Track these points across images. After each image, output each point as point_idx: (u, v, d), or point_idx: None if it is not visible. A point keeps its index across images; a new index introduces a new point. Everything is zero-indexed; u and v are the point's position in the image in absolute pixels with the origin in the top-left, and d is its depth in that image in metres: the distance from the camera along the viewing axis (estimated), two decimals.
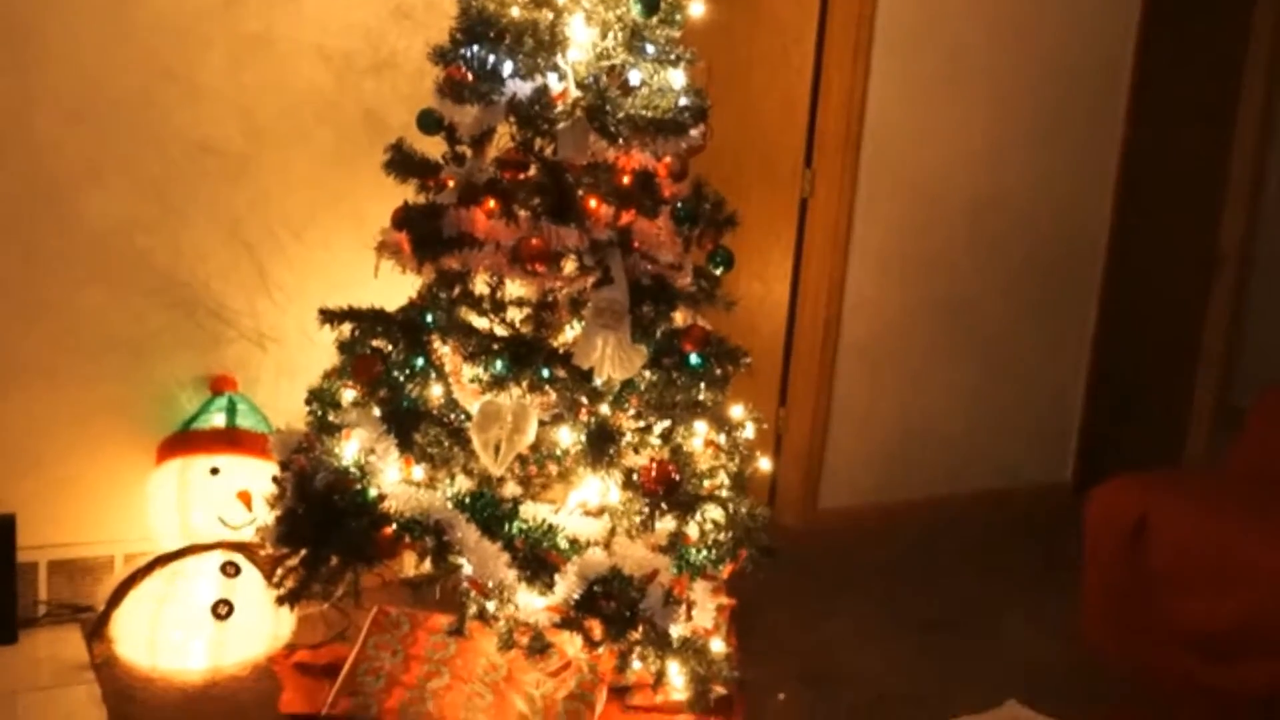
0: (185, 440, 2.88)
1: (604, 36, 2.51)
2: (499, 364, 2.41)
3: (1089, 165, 4.55)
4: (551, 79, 2.48)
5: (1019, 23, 4.25)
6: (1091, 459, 4.78)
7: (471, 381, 2.58)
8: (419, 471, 2.49)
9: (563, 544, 2.42)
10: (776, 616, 3.32)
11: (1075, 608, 3.16)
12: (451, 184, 2.54)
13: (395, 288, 2.67)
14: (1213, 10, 4.63)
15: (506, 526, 2.41)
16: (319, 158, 3.11)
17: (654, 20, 2.52)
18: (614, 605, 2.37)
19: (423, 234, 2.46)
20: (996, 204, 4.33)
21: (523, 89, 2.46)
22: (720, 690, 2.68)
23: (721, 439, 2.70)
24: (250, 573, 2.81)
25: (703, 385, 2.60)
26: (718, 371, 2.59)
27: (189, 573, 2.78)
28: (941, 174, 4.19)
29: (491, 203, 2.47)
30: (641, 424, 2.59)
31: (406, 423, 2.49)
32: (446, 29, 2.60)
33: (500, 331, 2.60)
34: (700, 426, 2.64)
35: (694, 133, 2.59)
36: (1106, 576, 3.16)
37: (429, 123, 2.60)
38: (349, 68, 3.09)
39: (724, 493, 2.65)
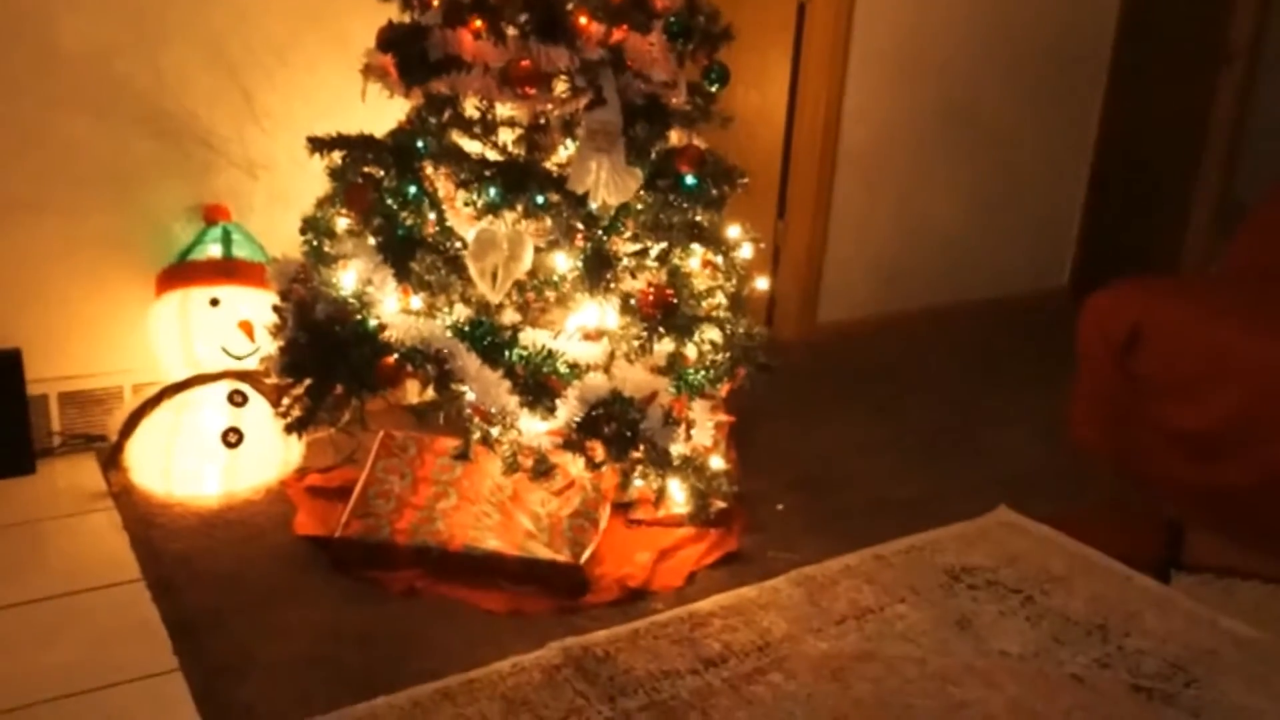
0: (183, 272, 2.88)
1: None
2: (492, 191, 2.39)
3: None
4: None
5: None
6: (1090, 262, 4.78)
7: (465, 206, 2.56)
8: (417, 301, 2.50)
9: (562, 369, 2.45)
10: (775, 428, 3.39)
11: (1068, 411, 3.23)
12: (436, 2, 2.45)
13: (385, 110, 2.62)
14: None
15: (506, 354, 2.43)
16: None
17: None
18: (614, 427, 2.42)
19: (408, 57, 2.39)
20: (998, 4, 4.19)
21: None
22: (720, 504, 2.77)
23: (719, 259, 2.70)
24: (257, 401, 2.86)
25: (699, 206, 2.58)
26: (714, 192, 2.57)
27: (197, 403, 2.83)
28: None
29: (478, 22, 2.39)
30: (638, 247, 2.59)
31: (403, 252, 2.48)
32: None
33: (492, 156, 2.56)
34: (697, 248, 2.64)
35: None
36: (1098, 382, 3.20)
37: None
38: None
39: (721, 313, 2.67)
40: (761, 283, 2.84)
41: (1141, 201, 4.84)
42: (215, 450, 2.81)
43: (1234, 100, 4.60)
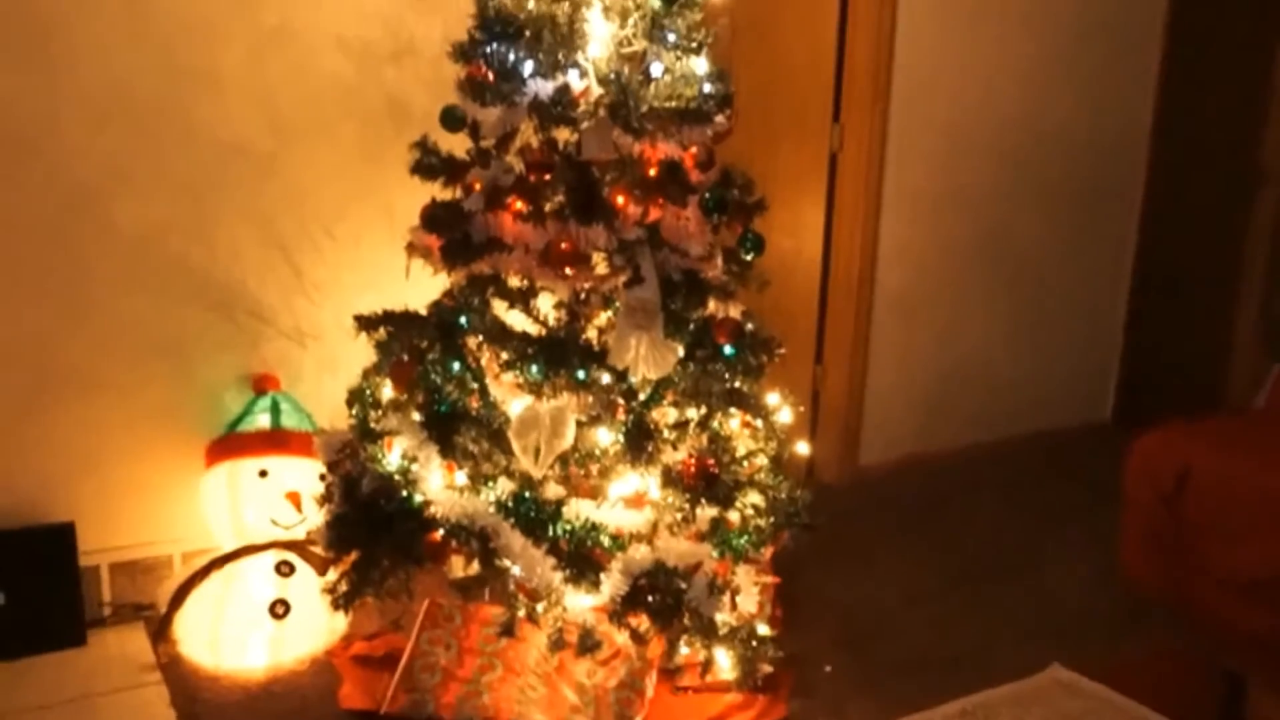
0: (232, 443, 2.93)
1: (623, 27, 2.48)
2: (534, 369, 2.43)
3: (1125, 85, 4.46)
4: (572, 76, 2.45)
5: None
6: (1134, 391, 4.75)
7: (507, 377, 2.61)
8: (461, 476, 2.53)
9: (606, 541, 2.46)
10: (819, 579, 3.36)
11: (1117, 549, 3.17)
12: (478, 186, 2.54)
13: (428, 280, 2.69)
14: None
15: (550, 528, 2.45)
16: (345, 150, 3.10)
17: (674, 7, 2.48)
18: (659, 598, 2.42)
19: (452, 243, 2.46)
20: (1030, 134, 4.26)
21: (544, 88, 2.43)
22: (767, 668, 2.73)
23: (759, 424, 2.72)
24: (304, 570, 2.88)
25: (738, 374, 2.61)
26: (752, 361, 2.60)
27: (245, 573, 2.86)
28: (973, 107, 4.12)
29: (519, 204, 2.47)
30: (679, 417, 2.61)
31: (446, 427, 2.52)
32: (463, 11, 2.58)
33: (532, 329, 2.61)
34: (736, 412, 2.66)
35: (719, 119, 2.57)
36: (1148, 525, 3.15)
37: (452, 120, 2.58)
38: (369, 56, 3.07)
39: (763, 476, 2.68)
40: (802, 447, 2.85)
41: (1182, 327, 4.82)
42: (262, 621, 2.82)
43: (1270, 221, 4.61)
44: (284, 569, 2.86)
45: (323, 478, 2.72)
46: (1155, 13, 4.42)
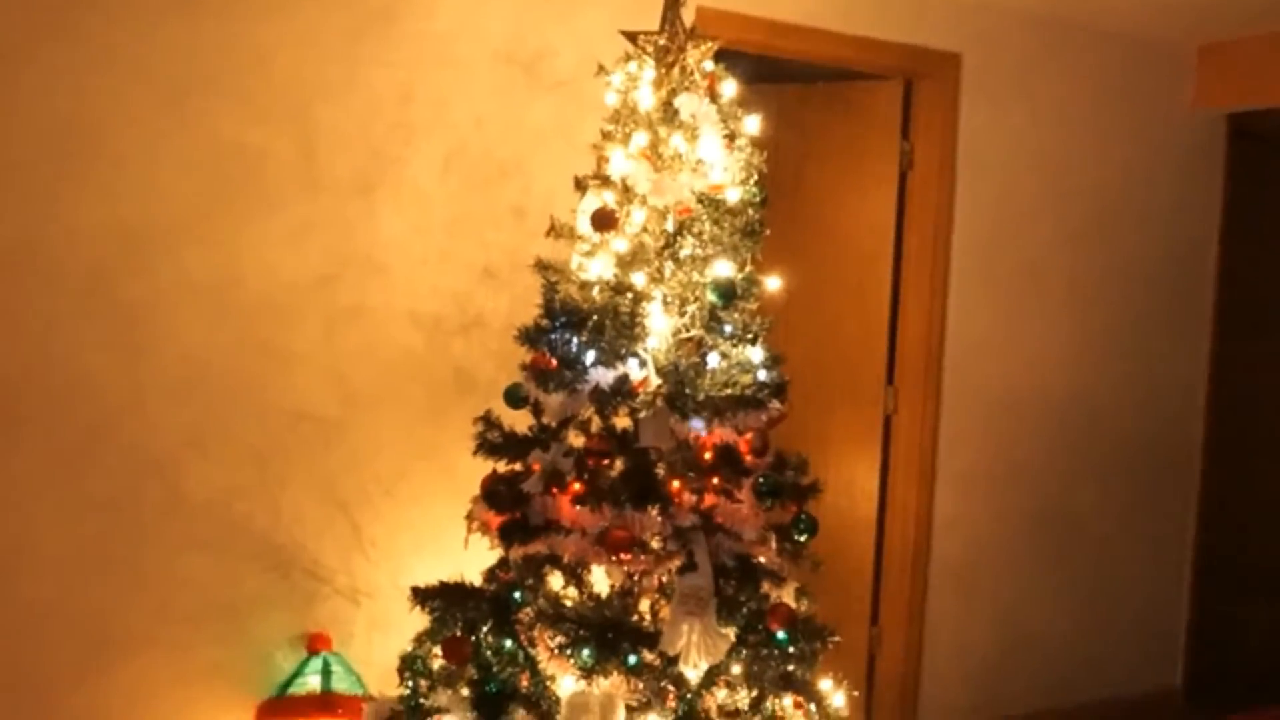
0: (282, 707, 2.93)
1: (681, 317, 2.58)
2: (585, 654, 2.43)
3: (1178, 361, 4.51)
4: (632, 365, 2.55)
5: (1097, 227, 4.27)
6: (1200, 660, 4.60)
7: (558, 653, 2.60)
8: None
9: None
10: None
11: None
12: (537, 468, 2.60)
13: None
14: None
15: None
16: (410, 415, 3.21)
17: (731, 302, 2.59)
18: None
19: (511, 522, 2.51)
20: (1083, 410, 4.29)
21: (605, 377, 2.52)
22: None
23: (812, 707, 2.67)
24: None
25: (791, 659, 2.58)
26: (805, 647, 2.57)
27: None
28: (1026, 383, 4.18)
29: (577, 486, 2.52)
30: (730, 701, 2.58)
31: (496, 708, 2.50)
32: (530, 287, 2.70)
33: (584, 610, 2.62)
34: (789, 699, 2.62)
35: (774, 405, 2.64)
36: None
37: (515, 400, 2.68)
38: (438, 329, 3.21)
39: None
40: None
41: (1251, 589, 4.71)
42: None
43: None
44: None
45: None
46: (1204, 296, 4.51)
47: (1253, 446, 4.70)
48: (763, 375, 2.62)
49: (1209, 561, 4.63)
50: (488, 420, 2.74)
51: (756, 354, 2.63)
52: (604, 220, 2.57)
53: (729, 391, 2.53)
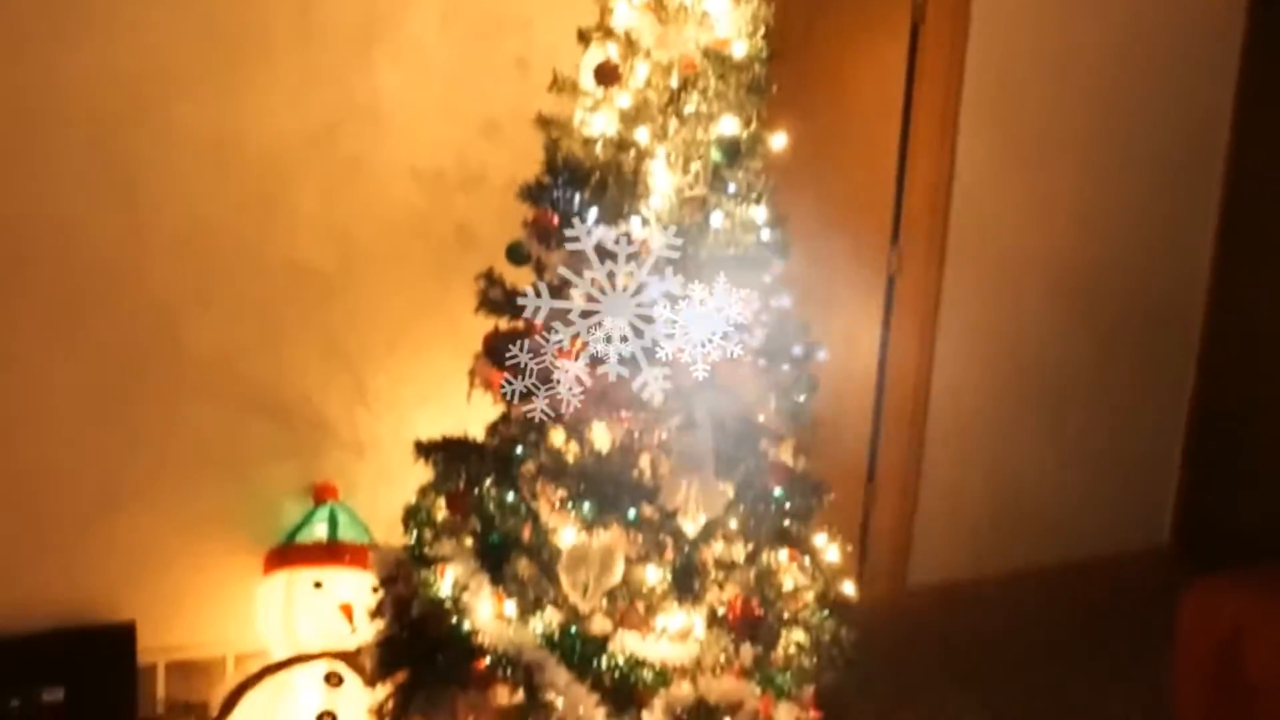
0: (290, 554, 3.01)
1: (685, 175, 2.55)
2: (586, 508, 2.48)
3: (1186, 224, 4.46)
4: (634, 223, 2.53)
5: (1110, 86, 4.18)
6: (1190, 521, 4.69)
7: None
8: (511, 606, 2.58)
9: (649, 677, 2.49)
10: (861, 709, 3.34)
11: (1171, 696, 3.13)
12: (540, 324, 2.60)
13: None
14: None
15: (595, 663, 2.48)
16: (412, 271, 3.21)
17: (736, 159, 2.56)
18: None
19: (512, 382, 2.53)
20: (1087, 271, 4.27)
21: (607, 235, 2.51)
22: None
23: (807, 561, 2.74)
24: (352, 681, 2.93)
25: (787, 514, 2.64)
26: (801, 503, 2.63)
27: (295, 683, 2.92)
28: (1031, 243, 4.15)
29: (577, 345, 2.53)
30: (727, 554, 2.64)
31: (497, 557, 2.57)
32: (533, 143, 2.67)
33: (587, 467, 2.67)
34: (784, 553, 2.69)
35: (777, 266, 2.64)
36: (1201, 678, 3.12)
37: (517, 257, 2.67)
38: (440, 184, 3.18)
39: (808, 615, 2.70)
40: (848, 587, 2.86)
41: (1243, 454, 4.76)
42: None
43: None
44: (333, 679, 2.92)
45: (375, 590, 2.79)
46: (1214, 159, 4.43)
47: (1256, 313, 4.68)
48: (766, 235, 2.61)
49: (1204, 424, 4.68)
50: (489, 278, 2.74)
51: (760, 213, 2.61)
52: (607, 74, 2.52)
53: (732, 251, 2.52)
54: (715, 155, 2.51)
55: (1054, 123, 4.10)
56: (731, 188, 2.58)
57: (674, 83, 2.54)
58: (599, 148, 2.58)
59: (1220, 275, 4.56)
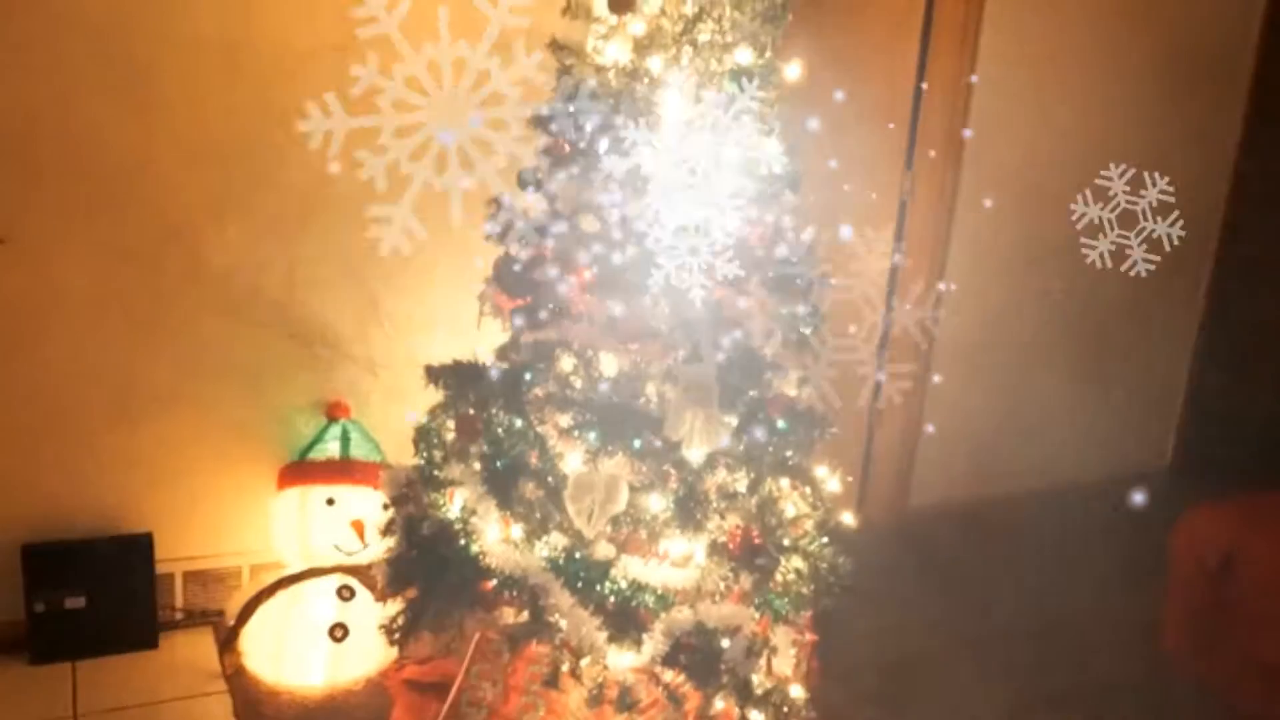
0: (303, 470, 3.07)
1: (697, 105, 2.54)
2: (592, 437, 2.52)
3: (1203, 146, 4.41)
4: (645, 154, 2.52)
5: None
6: (1191, 443, 4.73)
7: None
8: (517, 530, 2.64)
9: (650, 600, 2.56)
10: (858, 624, 3.43)
11: (1160, 618, 3.21)
12: (549, 254, 2.62)
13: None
14: None
15: (598, 586, 2.55)
16: (426, 191, 3.19)
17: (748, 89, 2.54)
18: (697, 657, 2.52)
19: (521, 308, 2.56)
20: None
21: (617, 165, 2.51)
22: None
23: (807, 490, 2.79)
24: (363, 595, 3.02)
25: (789, 445, 2.68)
26: (803, 434, 2.66)
27: (308, 595, 3.01)
28: (1045, 161, 4.11)
29: (587, 275, 2.55)
30: (729, 483, 2.69)
31: (505, 482, 2.63)
32: (547, 67, 2.65)
33: (593, 395, 2.70)
34: (785, 482, 2.74)
35: (788, 198, 2.63)
36: (1191, 601, 3.19)
37: (529, 183, 2.67)
38: None
39: (807, 544, 2.75)
40: (847, 517, 2.91)
41: (1247, 378, 4.78)
42: (322, 642, 2.97)
43: None
44: (345, 593, 3.01)
45: (385, 507, 2.86)
46: (1238, 84, 4.35)
47: (1269, 233, 4.65)
48: (777, 169, 2.60)
49: (1211, 348, 4.69)
50: (498, 203, 2.75)
51: (772, 145, 2.60)
52: (621, 1, 2.49)
53: (743, 183, 2.51)
54: (729, 85, 2.49)
55: (1079, 35, 4.04)
56: (745, 118, 2.56)
57: (688, 10, 2.51)
58: (611, 76, 2.56)
59: (1234, 205, 4.52)
